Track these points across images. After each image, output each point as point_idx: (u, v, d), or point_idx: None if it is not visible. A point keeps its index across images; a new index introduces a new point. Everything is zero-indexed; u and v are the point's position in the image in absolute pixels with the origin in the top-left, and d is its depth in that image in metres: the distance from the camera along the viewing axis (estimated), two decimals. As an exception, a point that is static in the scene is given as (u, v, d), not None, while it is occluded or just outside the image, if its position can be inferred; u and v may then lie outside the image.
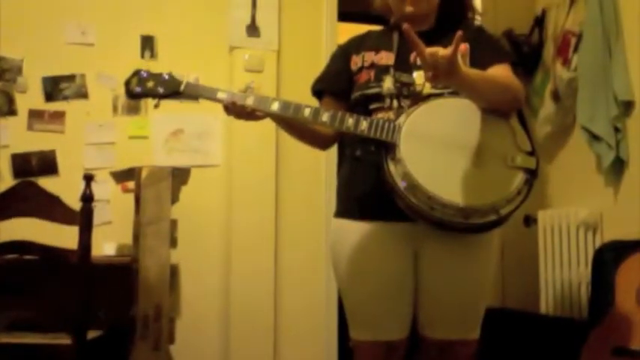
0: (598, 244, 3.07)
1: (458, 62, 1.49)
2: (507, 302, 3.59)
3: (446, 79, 1.51)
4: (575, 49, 3.22)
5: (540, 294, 3.36)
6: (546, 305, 3.33)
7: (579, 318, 3.08)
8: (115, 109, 3.32)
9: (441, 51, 1.47)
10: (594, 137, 3.07)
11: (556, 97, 3.37)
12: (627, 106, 3.00)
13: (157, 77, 1.81)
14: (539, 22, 3.60)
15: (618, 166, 3.04)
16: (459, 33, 1.47)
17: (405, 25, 1.52)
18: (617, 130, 3.00)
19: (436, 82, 1.58)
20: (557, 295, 3.27)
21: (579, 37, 3.20)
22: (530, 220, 3.45)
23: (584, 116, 3.10)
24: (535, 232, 3.43)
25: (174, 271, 2.35)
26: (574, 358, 2.38)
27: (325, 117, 1.68)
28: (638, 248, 2.43)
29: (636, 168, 2.99)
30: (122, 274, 2.54)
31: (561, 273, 3.25)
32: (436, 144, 1.63)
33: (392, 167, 1.60)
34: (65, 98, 3.27)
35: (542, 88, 3.48)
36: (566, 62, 3.28)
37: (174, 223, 2.42)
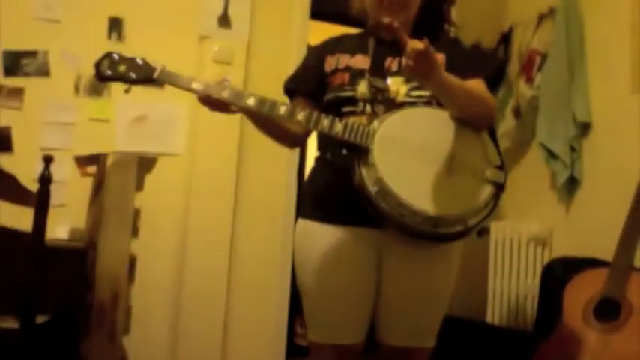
0: (547, 258, 3.16)
1: (436, 60, 1.50)
2: (454, 310, 3.64)
3: (425, 75, 1.52)
4: (540, 69, 3.31)
5: (488, 303, 3.44)
6: (492, 315, 3.41)
7: (525, 329, 3.16)
8: (76, 89, 3.23)
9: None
10: (551, 155, 3.16)
11: (517, 113, 3.45)
12: (584, 128, 3.10)
13: (129, 62, 1.77)
14: (506, 38, 3.68)
15: (571, 185, 3.14)
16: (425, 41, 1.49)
17: (393, 23, 1.54)
18: (573, 149, 3.10)
19: (415, 78, 1.59)
20: (504, 305, 3.35)
21: (544, 57, 3.29)
22: (482, 231, 3.52)
23: (543, 134, 3.19)
24: (487, 243, 3.50)
25: (132, 261, 2.31)
26: (519, 369, 2.45)
27: (301, 116, 1.67)
28: (587, 266, 2.50)
29: (588, 187, 3.09)
30: (75, 260, 2.48)
31: (509, 284, 3.33)
32: (408, 152, 1.63)
33: (364, 172, 1.60)
34: (26, 74, 3.16)
35: (504, 104, 3.56)
36: (529, 80, 3.36)
37: (137, 213, 2.37)
